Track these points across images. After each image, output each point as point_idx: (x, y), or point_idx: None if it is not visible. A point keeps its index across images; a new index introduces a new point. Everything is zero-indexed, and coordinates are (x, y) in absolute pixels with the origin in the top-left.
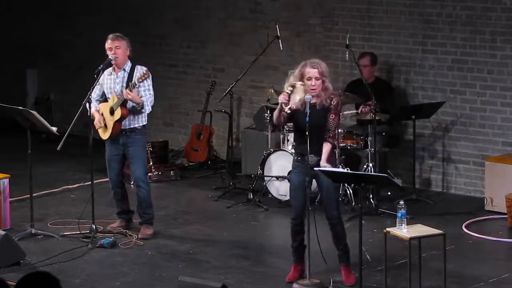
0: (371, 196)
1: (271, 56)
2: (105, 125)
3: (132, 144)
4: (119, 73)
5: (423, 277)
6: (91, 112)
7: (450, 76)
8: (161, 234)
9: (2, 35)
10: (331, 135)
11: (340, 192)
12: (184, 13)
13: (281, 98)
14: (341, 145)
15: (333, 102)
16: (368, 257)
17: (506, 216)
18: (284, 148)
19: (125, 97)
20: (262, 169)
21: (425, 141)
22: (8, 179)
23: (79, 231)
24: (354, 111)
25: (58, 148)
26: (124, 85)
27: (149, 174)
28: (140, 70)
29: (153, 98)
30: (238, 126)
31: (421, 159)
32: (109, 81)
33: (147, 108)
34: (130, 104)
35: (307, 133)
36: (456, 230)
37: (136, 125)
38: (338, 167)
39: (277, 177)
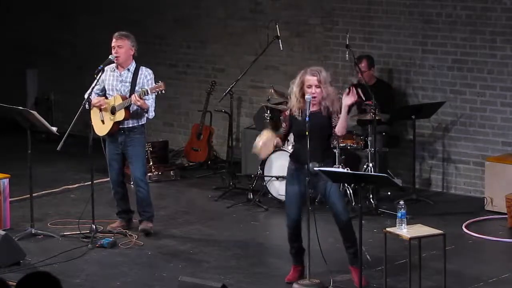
0: (371, 196)
1: (271, 56)
2: (102, 121)
3: (131, 143)
4: (122, 72)
5: (423, 277)
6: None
7: (450, 76)
8: (161, 234)
9: (2, 35)
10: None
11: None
12: (184, 13)
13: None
14: (341, 145)
15: (335, 108)
16: (368, 257)
17: (506, 216)
18: (284, 148)
19: (133, 103)
20: (262, 169)
21: (425, 141)
22: (8, 179)
23: (79, 231)
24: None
25: (58, 148)
26: (128, 85)
27: (149, 174)
28: (145, 71)
29: (155, 104)
30: (238, 126)
31: (421, 159)
32: (112, 78)
33: (151, 114)
34: (133, 108)
35: (307, 133)
36: (456, 230)
37: (135, 124)
38: (338, 167)
39: (277, 177)
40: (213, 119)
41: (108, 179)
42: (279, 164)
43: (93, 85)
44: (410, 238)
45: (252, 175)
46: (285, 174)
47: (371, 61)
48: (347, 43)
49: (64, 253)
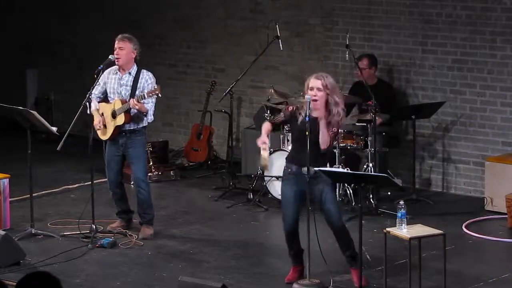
0: (371, 196)
1: (271, 56)
2: (105, 126)
3: (132, 145)
4: (124, 75)
5: (423, 277)
6: (91, 111)
7: (450, 76)
8: (161, 234)
9: (2, 35)
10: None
11: (340, 192)
12: (184, 13)
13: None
14: (341, 145)
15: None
16: (368, 257)
17: (506, 216)
18: (284, 148)
19: (131, 107)
20: (262, 169)
21: (425, 141)
22: (8, 179)
23: (79, 231)
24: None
25: (58, 148)
26: (129, 89)
27: (149, 174)
28: (146, 75)
29: (154, 107)
30: (238, 126)
31: (421, 159)
32: (113, 81)
33: (150, 118)
34: (133, 111)
35: (307, 133)
36: (456, 230)
37: (137, 126)
38: (338, 167)
39: (277, 177)
40: (213, 119)
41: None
42: (279, 164)
43: (93, 85)
44: (410, 238)
45: (252, 175)
46: None
47: (373, 60)
48: (347, 43)
49: (64, 253)
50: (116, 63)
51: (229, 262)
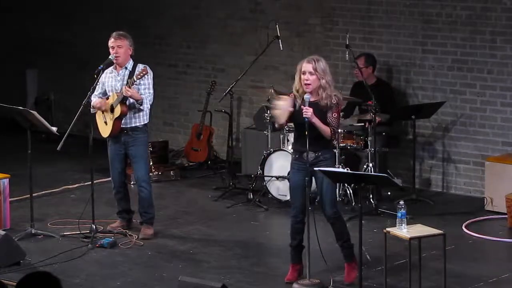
0: (371, 196)
1: (271, 56)
2: (106, 122)
3: (133, 143)
4: (120, 71)
5: (423, 277)
6: (92, 104)
7: (450, 76)
8: (161, 234)
9: (2, 35)
10: (335, 130)
11: (340, 192)
12: (184, 13)
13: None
14: (341, 145)
15: (333, 101)
16: (368, 257)
17: (506, 216)
18: (284, 148)
19: (124, 94)
20: (262, 169)
21: (425, 141)
22: (8, 179)
23: (79, 231)
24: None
25: (58, 148)
26: (125, 83)
27: (150, 174)
28: (141, 67)
29: (152, 96)
30: (238, 126)
31: (421, 159)
32: (111, 79)
33: (146, 106)
34: (129, 101)
35: (306, 133)
36: (456, 230)
37: (138, 124)
38: (338, 167)
39: (277, 177)
40: (213, 119)
41: (108, 179)
42: (279, 164)
43: (94, 85)
44: (410, 238)
45: (252, 175)
46: (285, 174)
47: (370, 59)
48: (347, 43)
49: (64, 253)
50: (115, 61)
51: (229, 262)
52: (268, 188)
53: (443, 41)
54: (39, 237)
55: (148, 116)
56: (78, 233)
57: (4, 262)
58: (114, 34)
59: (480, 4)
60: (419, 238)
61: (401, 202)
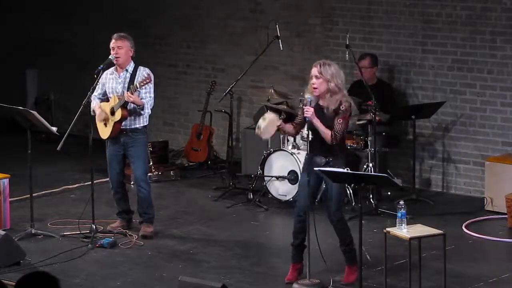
0: (371, 196)
1: (271, 56)
2: (105, 124)
3: (133, 144)
4: (121, 73)
5: (423, 277)
6: (92, 107)
7: (450, 76)
8: (161, 234)
9: (2, 35)
10: (337, 135)
11: None
12: (184, 13)
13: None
14: None
15: (342, 107)
16: (368, 257)
17: (506, 216)
18: (284, 148)
19: (126, 100)
20: (262, 169)
21: (425, 141)
22: (8, 179)
23: (79, 231)
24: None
25: (58, 148)
26: (126, 86)
27: (149, 174)
28: (143, 71)
29: (153, 101)
30: (238, 126)
31: (421, 159)
32: (111, 81)
33: (147, 111)
34: (130, 105)
35: (307, 133)
36: (456, 230)
37: (137, 125)
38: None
39: (277, 177)
40: (213, 119)
41: (108, 179)
42: (279, 164)
43: (94, 85)
44: (410, 238)
45: (252, 175)
46: (285, 174)
47: (374, 59)
48: (347, 43)
49: (64, 253)
50: (115, 62)
51: (229, 262)
52: (268, 188)
53: (443, 41)
54: (39, 237)
55: (148, 118)
56: (78, 233)
57: (4, 262)
58: (115, 35)
59: (480, 4)
60: (419, 238)
61: (401, 202)
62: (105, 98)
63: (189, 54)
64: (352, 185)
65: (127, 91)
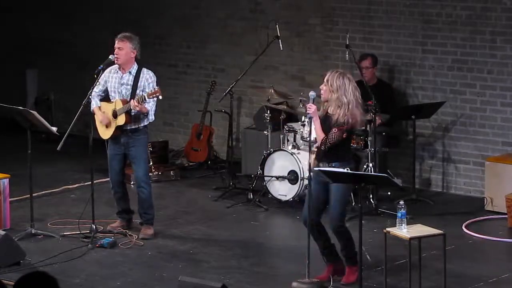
0: (371, 196)
1: (271, 56)
2: (106, 125)
3: (133, 144)
4: (124, 75)
5: (423, 277)
6: (92, 108)
7: (450, 76)
8: (161, 234)
9: (2, 35)
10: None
11: None
12: (184, 13)
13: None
14: None
15: (341, 120)
16: (368, 257)
17: (506, 216)
18: (284, 148)
19: (132, 108)
20: (262, 169)
21: (425, 141)
22: (8, 179)
23: (79, 231)
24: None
25: (58, 148)
26: (130, 88)
27: (149, 174)
28: (146, 74)
29: (156, 107)
30: (238, 126)
31: (421, 159)
32: (114, 80)
33: (151, 117)
34: (133, 112)
35: (306, 130)
36: (456, 230)
37: (138, 125)
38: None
39: (277, 177)
40: (213, 119)
41: (108, 179)
42: (279, 164)
43: (93, 85)
44: (410, 238)
45: (252, 175)
46: (285, 174)
47: (375, 59)
48: (347, 43)
49: (64, 253)
50: (116, 62)
51: (229, 262)
52: (268, 188)
53: (443, 41)
54: (39, 237)
55: (147, 120)
56: (78, 233)
57: (4, 262)
58: (119, 35)
59: (480, 4)
60: (419, 238)
61: (401, 202)
62: (105, 95)
63: (189, 54)
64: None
65: (134, 99)
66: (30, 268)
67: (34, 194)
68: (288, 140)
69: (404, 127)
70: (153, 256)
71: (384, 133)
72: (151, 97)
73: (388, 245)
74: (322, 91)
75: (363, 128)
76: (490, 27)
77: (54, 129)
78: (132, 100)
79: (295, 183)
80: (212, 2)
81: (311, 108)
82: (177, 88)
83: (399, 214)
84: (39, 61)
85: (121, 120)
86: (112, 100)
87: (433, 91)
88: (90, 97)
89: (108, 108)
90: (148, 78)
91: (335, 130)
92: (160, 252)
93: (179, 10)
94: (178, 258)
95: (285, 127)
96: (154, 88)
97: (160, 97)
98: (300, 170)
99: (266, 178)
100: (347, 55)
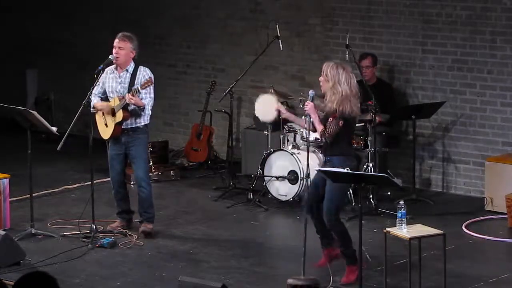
0: (371, 196)
1: (271, 56)
2: (106, 125)
3: (134, 143)
4: (121, 73)
5: (423, 277)
6: (93, 105)
7: (450, 76)
8: (161, 234)
9: (2, 35)
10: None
11: None
12: (184, 13)
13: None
14: None
15: (334, 108)
16: (368, 257)
17: (506, 216)
18: (284, 148)
19: (127, 102)
20: (262, 169)
21: (425, 141)
22: (8, 179)
23: (79, 231)
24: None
25: (58, 148)
26: (127, 86)
27: (149, 174)
28: (143, 71)
29: (153, 101)
30: (238, 126)
31: (421, 159)
32: (111, 80)
33: (147, 112)
34: (131, 107)
35: (305, 128)
36: (456, 230)
37: (138, 124)
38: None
39: (277, 177)
40: (213, 119)
41: (108, 179)
42: (279, 164)
43: (93, 85)
44: (410, 238)
45: (252, 175)
46: (285, 174)
47: (375, 59)
48: (347, 43)
49: (64, 253)
50: (115, 62)
51: (229, 262)
52: (268, 188)
53: (443, 41)
54: (39, 237)
55: (148, 117)
56: (78, 233)
57: (4, 262)
58: (120, 34)
59: (480, 4)
60: (419, 238)
61: (401, 202)
62: (104, 97)
63: (189, 54)
64: (352, 185)
65: (128, 93)
66: (30, 268)
67: (34, 194)
68: (288, 140)
69: (404, 127)
70: (153, 256)
71: (384, 133)
72: (144, 87)
73: (388, 245)
74: (321, 83)
75: (363, 125)
76: (490, 27)
77: (54, 129)
78: (127, 94)
79: (295, 183)
80: (212, 2)
81: (308, 105)
82: (177, 88)
83: (399, 214)
84: (39, 61)
85: (119, 116)
86: (110, 100)
87: (433, 91)
88: (91, 97)
89: (108, 107)
90: (145, 75)
91: (330, 119)
92: (160, 252)
93: (179, 10)
94: (178, 258)
95: (285, 127)
96: (146, 78)
97: (152, 84)
98: (300, 170)
99: (266, 178)
100: (347, 55)
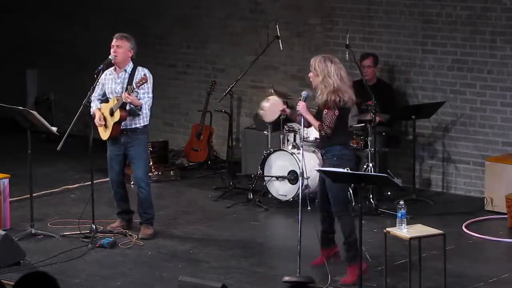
0: (371, 196)
1: (271, 56)
2: (105, 125)
3: (133, 144)
4: (120, 74)
5: (423, 277)
6: (93, 111)
7: (450, 76)
8: (161, 234)
9: (2, 35)
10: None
11: None
12: (184, 13)
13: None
14: None
15: (326, 100)
16: (368, 257)
17: (506, 216)
18: (284, 148)
19: (124, 100)
20: (262, 169)
21: (425, 141)
22: (8, 179)
23: (79, 231)
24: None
25: (58, 148)
26: (125, 86)
27: (149, 174)
28: (141, 71)
29: (151, 101)
30: (238, 126)
31: (421, 159)
32: (110, 81)
33: (145, 111)
34: (129, 106)
35: (301, 125)
36: (456, 230)
37: (138, 125)
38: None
39: (277, 177)
40: (213, 119)
41: (108, 179)
42: (279, 164)
43: (94, 85)
44: (410, 238)
45: (252, 175)
46: (285, 174)
47: (376, 59)
48: (347, 43)
49: (64, 253)
50: (114, 61)
51: (229, 262)
52: (268, 188)
53: (443, 41)
54: (39, 237)
55: (148, 118)
56: (78, 233)
57: (4, 262)
58: (117, 34)
59: (480, 4)
60: (419, 238)
61: (401, 202)
62: (104, 98)
63: (189, 54)
64: (352, 185)
65: (125, 91)
66: (30, 268)
67: (34, 194)
68: (288, 140)
69: (404, 127)
70: (153, 256)
71: (384, 133)
72: (139, 84)
73: (388, 245)
74: (311, 79)
75: (363, 125)
76: (490, 27)
77: (54, 129)
78: (123, 92)
79: (295, 183)
80: (212, 2)
81: (300, 104)
82: (177, 88)
83: (399, 214)
84: (39, 61)
85: (117, 115)
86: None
87: (433, 91)
88: (91, 97)
89: (106, 108)
90: (142, 75)
91: (325, 111)
92: (160, 252)
93: (179, 10)
94: (178, 258)
95: (285, 127)
96: (141, 76)
97: (150, 83)
98: (300, 170)
99: (266, 178)
100: (347, 55)
